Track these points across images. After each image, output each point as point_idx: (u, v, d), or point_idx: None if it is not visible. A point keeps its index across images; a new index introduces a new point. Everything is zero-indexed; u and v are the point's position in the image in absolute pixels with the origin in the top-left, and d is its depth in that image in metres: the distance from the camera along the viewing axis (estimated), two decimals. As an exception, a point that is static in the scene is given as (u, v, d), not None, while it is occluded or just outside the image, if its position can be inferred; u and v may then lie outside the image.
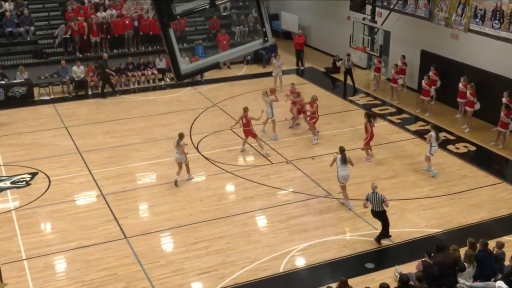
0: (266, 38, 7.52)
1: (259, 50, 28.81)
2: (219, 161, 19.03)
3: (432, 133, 17.79)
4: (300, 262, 14.00)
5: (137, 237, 14.92)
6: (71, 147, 20.43)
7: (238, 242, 14.65)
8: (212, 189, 17.41)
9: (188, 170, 17.71)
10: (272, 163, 18.93)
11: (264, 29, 7.44)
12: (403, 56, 24.79)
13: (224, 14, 31.75)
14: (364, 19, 24.96)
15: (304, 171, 18.27)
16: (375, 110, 23.56)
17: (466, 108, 21.34)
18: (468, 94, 21.05)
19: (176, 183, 17.36)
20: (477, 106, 21.06)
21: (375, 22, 24.45)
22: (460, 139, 20.71)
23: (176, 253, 14.36)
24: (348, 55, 25.82)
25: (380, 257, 14.08)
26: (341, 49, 29.24)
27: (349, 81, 26.15)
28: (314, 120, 20.33)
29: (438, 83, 23.13)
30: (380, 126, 21.89)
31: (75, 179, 18.07)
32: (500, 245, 12.55)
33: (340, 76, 27.24)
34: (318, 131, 20.56)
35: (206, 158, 19.30)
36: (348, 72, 26.06)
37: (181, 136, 17.48)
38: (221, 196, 17.00)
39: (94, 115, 23.59)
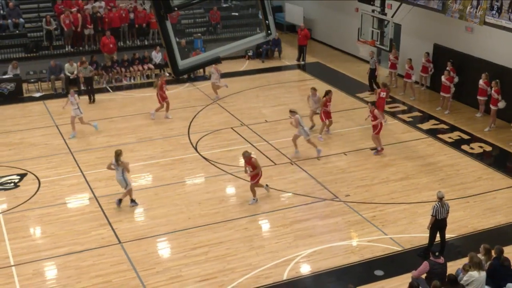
0: (269, 31, 7.53)
1: (262, 44, 29.04)
2: (219, 161, 19.05)
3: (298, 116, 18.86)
4: (305, 269, 14.01)
5: (132, 242, 14.95)
6: (62, 146, 20.46)
7: (239, 248, 14.67)
8: (211, 191, 17.43)
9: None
10: (275, 164, 18.96)
11: (267, 21, 7.46)
12: (427, 53, 24.66)
13: (224, 5, 31.78)
14: (373, 11, 24.97)
15: (309, 173, 18.29)
16: (386, 107, 23.57)
17: (491, 106, 21.24)
18: (492, 91, 20.98)
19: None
20: (502, 104, 21.00)
21: (385, 14, 24.47)
22: (475, 139, 20.71)
23: (173, 259, 14.38)
24: (372, 52, 25.11)
25: (390, 264, 14.07)
26: (349, 43, 29.31)
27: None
28: None
29: (456, 79, 23.08)
30: (391, 124, 21.95)
31: (66, 181, 18.10)
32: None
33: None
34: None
35: (205, 159, 19.33)
36: (372, 73, 25.12)
37: None
38: (221, 199, 17.01)
39: (86, 112, 23.46)
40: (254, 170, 16.54)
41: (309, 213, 16.26)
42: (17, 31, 27.62)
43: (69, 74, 25.87)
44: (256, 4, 30.01)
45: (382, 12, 24.54)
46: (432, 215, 13.89)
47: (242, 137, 20.65)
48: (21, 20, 27.84)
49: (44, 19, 27.55)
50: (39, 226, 15.85)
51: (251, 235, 15.24)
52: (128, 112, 23.50)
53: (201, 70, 27.11)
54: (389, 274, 13.65)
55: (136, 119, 22.73)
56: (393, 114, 22.93)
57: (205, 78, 27.11)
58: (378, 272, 13.74)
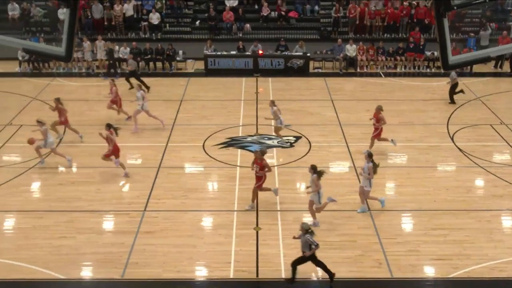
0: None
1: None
2: (473, 154, 18.07)
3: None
4: (542, 272, 12.80)
5: (379, 212, 15.00)
6: (333, 118, 21.14)
7: (478, 237, 13.88)
8: (460, 180, 16.67)
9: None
10: (529, 166, 17.43)
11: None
12: None
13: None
14: None
15: None
16: None
17: None
18: None
19: None
20: None
21: None
22: None
23: (414, 234, 14.15)
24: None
25: None
26: None
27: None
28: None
29: None
30: None
31: (332, 148, 18.72)
32: None
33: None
34: None
35: (460, 150, 18.48)
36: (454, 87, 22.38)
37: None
38: (468, 189, 16.19)
39: (359, 92, 24.05)
40: (262, 170, 14.82)
41: (556, 219, 14.72)
42: (308, 16, 29.49)
43: (348, 54, 26.55)
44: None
45: None
46: (314, 246, 11.79)
47: (500, 135, 19.27)
48: (316, 8, 29.32)
49: (333, 8, 28.57)
50: (304, 182, 16.59)
51: (492, 228, 14.29)
52: (396, 96, 23.38)
53: (469, 67, 25.79)
54: None
55: (402, 104, 22.48)
56: None
57: (470, 74, 25.79)
58: None
